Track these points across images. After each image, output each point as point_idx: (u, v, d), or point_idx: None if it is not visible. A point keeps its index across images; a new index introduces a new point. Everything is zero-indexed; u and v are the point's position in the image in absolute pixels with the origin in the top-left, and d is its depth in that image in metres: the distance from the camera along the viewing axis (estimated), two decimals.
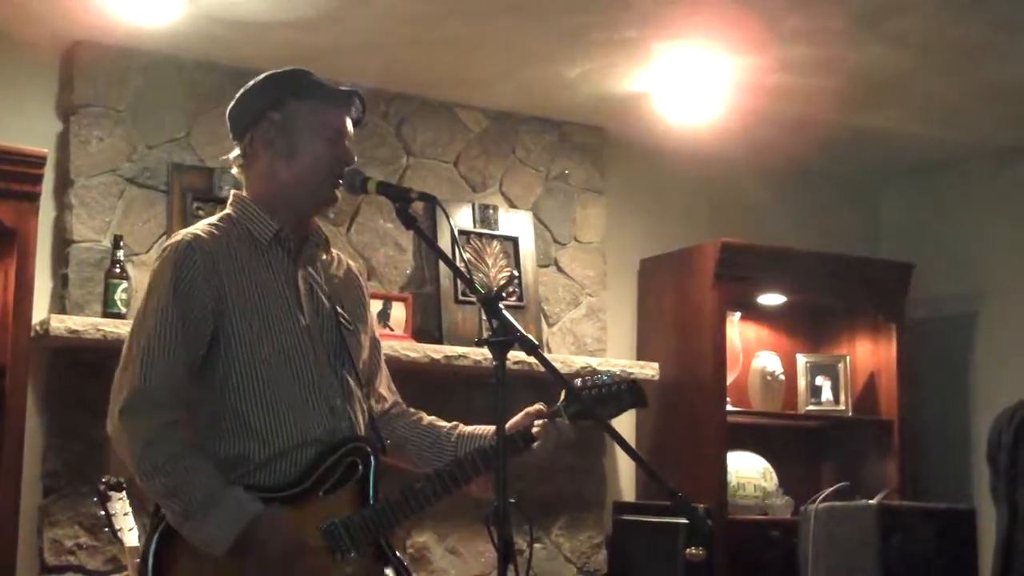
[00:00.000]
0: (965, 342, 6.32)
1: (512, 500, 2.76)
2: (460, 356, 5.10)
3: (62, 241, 4.84)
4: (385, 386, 3.29)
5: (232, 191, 3.15)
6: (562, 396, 3.13)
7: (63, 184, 4.86)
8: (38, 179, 4.51)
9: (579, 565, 5.58)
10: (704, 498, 5.26)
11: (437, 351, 5.08)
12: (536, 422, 3.09)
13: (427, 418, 3.28)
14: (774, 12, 4.62)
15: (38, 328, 4.52)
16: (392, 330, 5.14)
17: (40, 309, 4.63)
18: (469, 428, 3.22)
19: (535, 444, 3.07)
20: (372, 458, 3.01)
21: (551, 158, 5.82)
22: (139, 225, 4.93)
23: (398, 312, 5.18)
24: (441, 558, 5.29)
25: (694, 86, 5.27)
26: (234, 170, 3.15)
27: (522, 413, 3.13)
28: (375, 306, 5.12)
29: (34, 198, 4.50)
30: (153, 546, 2.87)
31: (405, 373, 5.09)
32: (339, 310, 3.11)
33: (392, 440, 3.17)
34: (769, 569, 5.70)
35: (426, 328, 5.30)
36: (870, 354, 6.18)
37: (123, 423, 2.85)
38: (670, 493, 2.78)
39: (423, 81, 5.40)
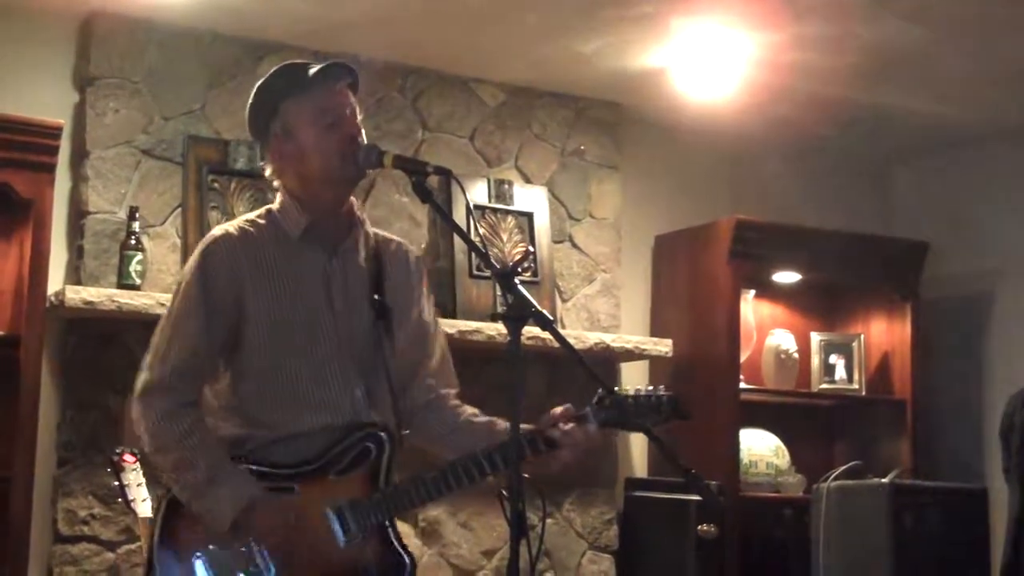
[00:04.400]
0: (980, 322, 6.31)
1: (525, 475, 2.77)
2: (474, 331, 5.10)
3: (78, 212, 4.85)
4: (436, 376, 3.24)
5: (277, 185, 3.18)
6: (595, 399, 3.06)
7: (79, 155, 4.87)
8: (54, 150, 4.52)
9: (590, 541, 5.59)
10: (716, 475, 5.27)
11: (451, 325, 5.08)
12: (562, 426, 3.02)
13: (465, 414, 3.24)
14: None
15: (53, 299, 4.54)
16: None
17: (55, 280, 4.65)
18: (505, 425, 3.04)
19: (560, 451, 3.01)
20: (387, 445, 3.04)
21: (567, 133, 5.80)
22: (154, 197, 4.93)
23: None
24: (453, 532, 5.31)
25: (711, 62, 5.25)
26: (275, 183, 3.17)
27: (550, 413, 3.06)
28: None
29: (50, 169, 4.51)
30: (162, 512, 3.02)
31: None
32: (376, 298, 3.12)
33: (430, 432, 3.19)
34: (781, 547, 5.71)
35: (441, 302, 5.28)
36: (884, 333, 6.17)
37: (142, 402, 3.01)
38: (683, 470, 2.78)
39: (439, 55, 5.39)
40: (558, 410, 3.06)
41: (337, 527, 2.98)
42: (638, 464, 5.86)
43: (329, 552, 2.95)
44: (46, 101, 4.81)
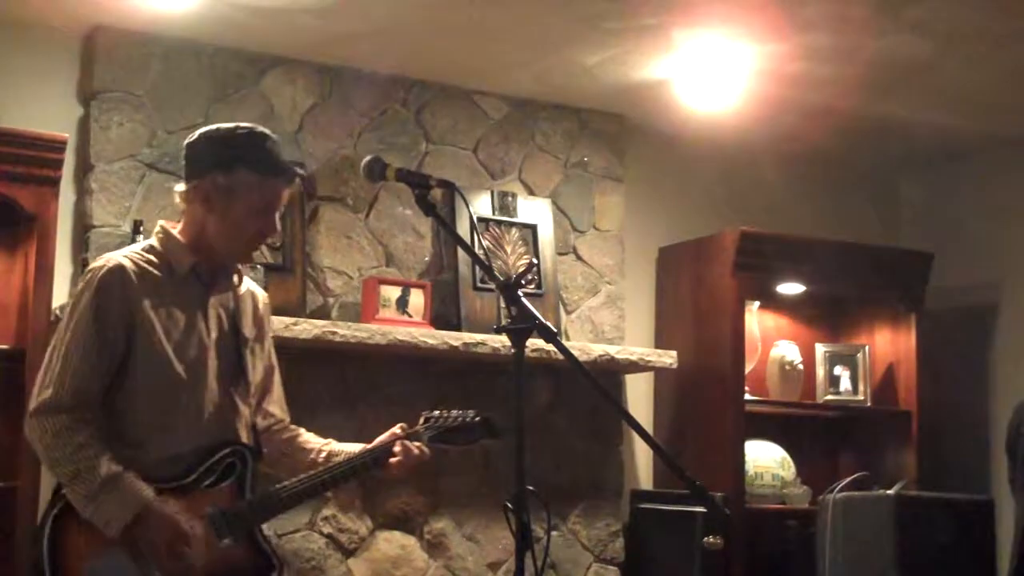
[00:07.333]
0: (985, 332, 6.30)
1: (530, 488, 2.77)
2: (479, 343, 5.09)
3: (82, 226, 4.85)
4: (276, 405, 3.60)
5: (160, 223, 3.42)
6: (421, 420, 3.51)
7: (83, 169, 4.88)
8: (58, 164, 4.52)
9: (596, 553, 5.58)
10: (721, 487, 5.26)
11: (456, 338, 5.08)
12: (396, 444, 3.47)
13: (302, 437, 3.61)
14: None
15: (58, 312, 4.53)
16: (410, 317, 5.14)
17: (60, 294, 4.65)
18: (339, 446, 3.56)
19: (392, 460, 3.45)
20: (250, 460, 3.35)
21: (570, 145, 5.81)
22: (158, 210, 4.93)
23: (416, 299, 5.18)
24: (459, 544, 5.30)
25: (714, 74, 5.25)
26: (176, 199, 3.41)
27: (387, 433, 3.50)
28: (394, 292, 5.14)
29: (54, 183, 4.52)
30: (50, 523, 3.16)
31: (423, 360, 5.14)
32: (242, 334, 3.43)
33: (270, 454, 3.52)
34: (786, 559, 5.70)
35: (444, 315, 5.29)
36: (889, 344, 6.16)
37: (37, 420, 3.17)
38: (688, 482, 2.78)
39: (442, 68, 5.39)
40: (395, 429, 3.51)
41: (213, 530, 3.22)
42: (643, 476, 5.85)
43: (205, 554, 3.21)
44: (50, 115, 4.82)
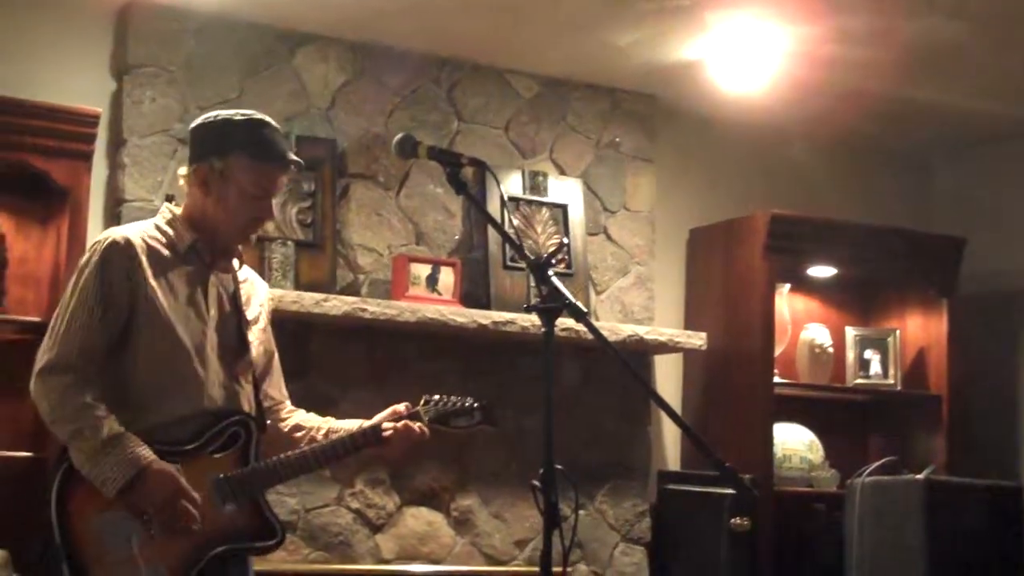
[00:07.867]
0: (1017, 317, 6.27)
1: (558, 466, 2.78)
2: (508, 322, 5.10)
3: (114, 200, 4.87)
4: (275, 388, 3.67)
5: (164, 204, 3.52)
6: (421, 401, 3.60)
7: (116, 143, 4.90)
8: (91, 138, 4.54)
9: (623, 533, 5.59)
10: (750, 469, 5.25)
11: (485, 316, 5.08)
12: (393, 423, 3.54)
13: (301, 416, 3.68)
14: None
15: None
16: (440, 295, 5.14)
17: None
18: (338, 423, 3.63)
19: (386, 434, 3.52)
20: (254, 430, 3.42)
21: (602, 125, 5.79)
22: None
23: (446, 277, 5.18)
24: (486, 522, 5.31)
25: (747, 55, 5.23)
26: (180, 181, 3.50)
27: (388, 410, 3.58)
28: (424, 270, 5.16)
29: (87, 157, 4.54)
30: (57, 481, 3.22)
31: (452, 338, 5.14)
32: (243, 315, 3.50)
33: (269, 433, 3.55)
34: (814, 542, 5.69)
35: (474, 293, 5.30)
36: (920, 328, 6.13)
37: (43, 379, 3.24)
38: (717, 463, 2.78)
39: (474, 46, 5.38)
40: (397, 407, 3.58)
41: (217, 495, 3.29)
42: (671, 457, 5.85)
43: (208, 517, 3.26)
44: (83, 89, 4.83)
